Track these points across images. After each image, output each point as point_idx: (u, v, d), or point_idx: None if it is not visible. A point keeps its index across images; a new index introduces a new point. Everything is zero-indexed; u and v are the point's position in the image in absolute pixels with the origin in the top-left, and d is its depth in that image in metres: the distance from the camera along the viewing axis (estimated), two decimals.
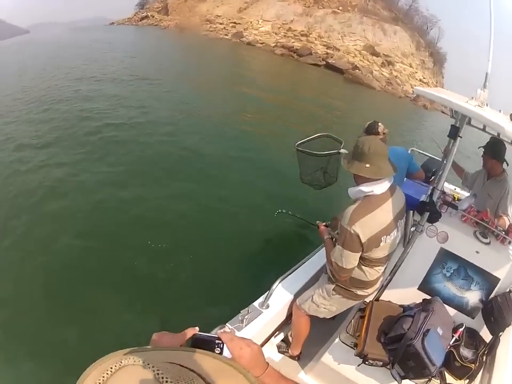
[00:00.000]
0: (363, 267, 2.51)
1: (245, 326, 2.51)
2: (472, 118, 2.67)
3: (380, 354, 2.52)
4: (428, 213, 2.81)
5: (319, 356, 3.06)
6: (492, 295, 2.93)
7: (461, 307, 3.00)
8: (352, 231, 2.28)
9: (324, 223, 3.04)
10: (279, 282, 2.94)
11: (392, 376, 2.48)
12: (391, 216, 2.42)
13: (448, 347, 2.66)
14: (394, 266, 2.88)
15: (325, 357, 2.85)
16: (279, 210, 5.96)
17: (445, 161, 4.19)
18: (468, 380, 2.70)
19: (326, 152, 5.18)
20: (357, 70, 36.96)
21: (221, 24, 52.86)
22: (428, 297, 2.96)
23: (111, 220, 5.72)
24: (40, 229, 5.33)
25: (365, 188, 2.35)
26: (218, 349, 1.00)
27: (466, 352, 2.72)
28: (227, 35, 48.36)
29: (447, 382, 2.66)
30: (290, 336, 3.26)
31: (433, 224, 2.96)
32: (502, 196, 3.63)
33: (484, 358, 2.78)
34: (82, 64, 16.56)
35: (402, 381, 2.48)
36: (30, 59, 18.13)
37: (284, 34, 48.17)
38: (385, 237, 2.40)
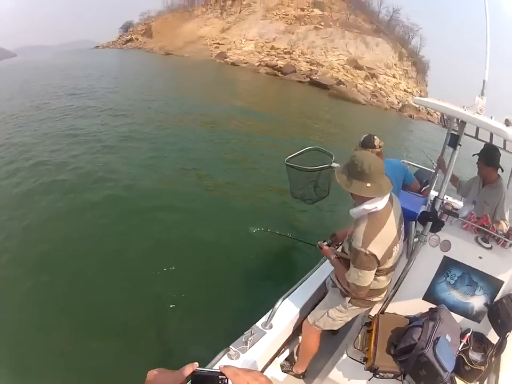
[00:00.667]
0: (377, 277, 2.54)
1: (249, 348, 2.46)
2: (475, 125, 2.75)
3: (390, 366, 2.53)
4: (430, 222, 2.86)
5: (326, 372, 3.07)
6: (497, 298, 2.94)
7: (466, 313, 3.00)
8: (368, 252, 2.30)
9: (325, 242, 3.03)
10: (282, 301, 2.91)
11: None
12: (396, 226, 2.47)
13: (457, 352, 2.67)
14: (398, 279, 2.90)
15: (332, 374, 2.86)
16: (268, 230, 5.94)
17: (436, 172, 4.37)
18: (478, 382, 2.72)
19: (317, 167, 5.23)
20: (342, 85, 37.43)
21: (204, 45, 53.49)
22: (434, 306, 2.97)
23: (101, 245, 5.63)
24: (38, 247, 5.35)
25: (368, 206, 2.36)
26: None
27: (475, 356, 2.74)
28: (211, 56, 48.92)
29: None
30: (296, 354, 3.25)
31: (436, 233, 2.97)
32: (498, 202, 3.71)
33: (493, 359, 2.80)
34: (66, 88, 16.54)
35: None
36: (18, 82, 18.03)
37: (267, 53, 48.84)
38: (395, 247, 2.47)
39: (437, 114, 42.87)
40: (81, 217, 6.19)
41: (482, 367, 2.70)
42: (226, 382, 0.95)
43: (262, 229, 5.91)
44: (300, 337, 3.51)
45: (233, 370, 0.96)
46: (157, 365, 1.00)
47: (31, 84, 16.70)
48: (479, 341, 2.91)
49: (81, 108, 13.48)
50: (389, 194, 2.43)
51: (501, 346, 2.83)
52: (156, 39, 60.06)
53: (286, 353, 3.36)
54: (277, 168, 9.62)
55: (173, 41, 55.69)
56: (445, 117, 3.76)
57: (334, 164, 5.06)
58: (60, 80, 17.48)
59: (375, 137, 3.60)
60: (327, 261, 3.75)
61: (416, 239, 2.93)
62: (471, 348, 2.79)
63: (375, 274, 2.47)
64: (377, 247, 2.31)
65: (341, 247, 2.91)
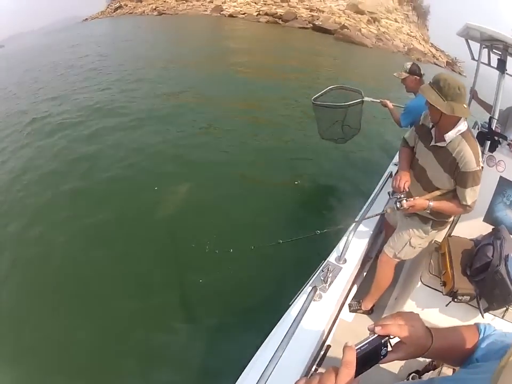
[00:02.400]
0: None
1: (328, 286, 2.37)
2: None
3: (468, 288, 2.52)
4: (488, 142, 2.91)
5: (398, 305, 3.10)
6: None
7: None
8: (481, 167, 2.32)
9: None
10: (353, 233, 2.82)
11: (479, 310, 2.50)
12: None
13: None
14: None
15: (407, 305, 2.86)
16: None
17: (470, 102, 4.39)
18: None
19: (348, 103, 5.13)
20: (346, 29, 36.24)
21: (197, 0, 51.68)
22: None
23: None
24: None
25: (462, 127, 2.36)
26: (385, 349, 0.88)
27: None
28: (206, 11, 47.30)
29: None
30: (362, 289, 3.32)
31: (492, 153, 2.99)
32: None
33: None
34: (59, 65, 15.87)
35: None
36: (4, 72, 17.28)
37: (264, 2, 47.13)
38: None
39: (442, 58, 42.10)
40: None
41: None
42: (387, 342, 0.89)
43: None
44: (365, 273, 3.59)
45: (393, 325, 0.91)
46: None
47: (22, 71, 15.86)
48: None
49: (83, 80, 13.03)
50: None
51: None
52: (146, 2, 58.04)
53: (354, 290, 3.38)
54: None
55: (165, 1, 53.88)
56: (483, 46, 3.68)
57: (366, 98, 4.99)
58: (49, 62, 16.52)
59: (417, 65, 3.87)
60: (381, 191, 3.71)
61: None
62: None
63: None
64: (482, 159, 2.39)
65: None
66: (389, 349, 0.90)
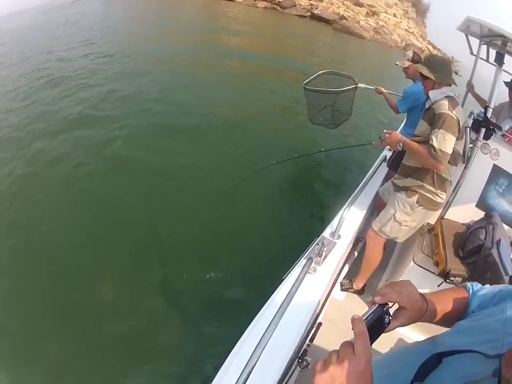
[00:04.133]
0: (447, 164, 2.64)
1: (323, 260, 2.38)
2: None
3: (460, 269, 2.56)
4: (483, 129, 2.97)
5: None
6: None
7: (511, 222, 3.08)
8: (454, 116, 2.50)
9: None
10: (348, 209, 2.80)
11: None
12: (464, 115, 2.71)
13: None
14: (456, 184, 2.95)
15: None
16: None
17: (466, 94, 4.62)
18: None
19: (343, 89, 5.16)
20: (344, 20, 36.08)
21: None
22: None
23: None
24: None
25: (445, 90, 2.69)
26: (388, 317, 0.91)
27: None
28: None
29: None
30: (354, 269, 3.35)
31: (487, 141, 3.04)
32: None
33: None
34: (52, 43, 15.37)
35: None
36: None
37: None
38: (463, 132, 2.71)
39: (442, 54, 42.36)
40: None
41: None
42: (388, 309, 0.92)
43: (296, 156, 5.81)
44: (356, 253, 3.64)
45: (391, 293, 0.95)
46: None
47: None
48: None
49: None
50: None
51: None
52: None
53: (345, 269, 3.40)
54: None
55: None
56: (482, 42, 3.81)
57: (360, 85, 5.02)
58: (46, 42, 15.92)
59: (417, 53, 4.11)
60: (376, 172, 3.77)
61: (471, 145, 3.03)
62: None
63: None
64: (458, 114, 2.54)
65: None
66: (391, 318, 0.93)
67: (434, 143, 2.49)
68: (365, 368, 0.73)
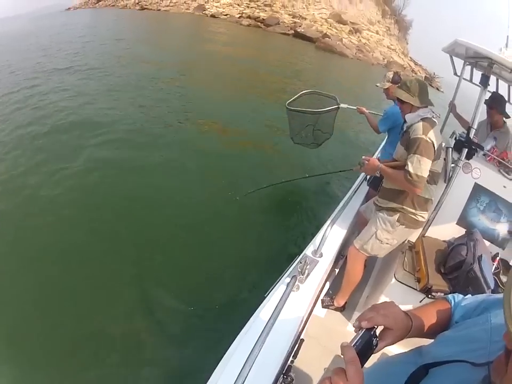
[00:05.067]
0: (427, 184, 2.73)
1: (305, 278, 2.42)
2: (506, 66, 2.80)
3: (442, 285, 2.63)
4: (466, 149, 3.06)
5: (372, 301, 3.19)
6: None
7: (493, 238, 3.18)
8: (429, 140, 2.57)
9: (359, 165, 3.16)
10: (330, 227, 2.88)
11: None
12: (440, 135, 2.77)
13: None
14: (437, 203, 3.03)
15: (381, 301, 2.92)
16: (283, 180, 5.96)
17: (448, 114, 4.68)
18: None
19: (326, 109, 5.28)
20: (327, 38, 36.56)
21: None
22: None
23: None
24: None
25: (422, 112, 2.75)
26: (375, 339, 0.94)
27: (505, 279, 2.86)
28: (188, 9, 46.98)
29: None
30: (335, 286, 3.38)
31: (468, 161, 3.14)
32: (506, 145, 3.92)
33: None
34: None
35: None
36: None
37: (247, 5, 47.18)
38: (441, 151, 2.76)
39: (421, 73, 43.08)
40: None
41: None
42: (375, 332, 0.95)
43: (278, 182, 5.87)
44: (337, 270, 3.68)
45: (377, 316, 0.99)
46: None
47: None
48: (506, 266, 3.06)
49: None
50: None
51: None
52: None
53: (326, 287, 3.46)
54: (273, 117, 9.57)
55: None
56: (467, 63, 3.95)
57: (342, 105, 5.15)
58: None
59: (400, 73, 4.27)
60: (357, 191, 3.89)
61: (452, 165, 3.12)
62: (501, 271, 2.91)
63: (427, 180, 2.67)
64: (433, 137, 2.59)
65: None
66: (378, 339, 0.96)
67: (410, 169, 2.57)
68: None
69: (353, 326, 0.98)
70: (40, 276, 4.02)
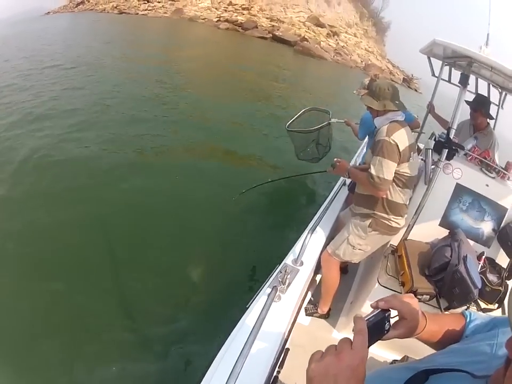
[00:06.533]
0: (397, 188, 2.73)
1: (287, 288, 2.37)
2: (491, 66, 2.78)
3: (427, 287, 2.60)
4: (446, 150, 3.00)
5: (355, 307, 3.16)
6: (503, 224, 3.15)
7: (477, 237, 3.15)
8: (392, 141, 2.55)
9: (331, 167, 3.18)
10: (310, 235, 2.84)
11: (440, 309, 2.57)
12: (412, 138, 2.75)
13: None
14: (418, 206, 2.98)
15: (365, 306, 2.91)
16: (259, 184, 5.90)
17: (427, 115, 4.75)
18: (497, 304, 2.82)
19: (317, 127, 5.59)
20: (306, 42, 36.79)
21: (159, 2, 51.11)
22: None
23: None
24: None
25: (390, 115, 2.74)
26: (388, 324, 0.95)
27: (492, 277, 2.86)
28: (166, 13, 46.87)
29: (482, 307, 2.77)
30: (317, 294, 3.32)
31: (449, 161, 3.10)
32: (489, 147, 3.89)
33: (506, 281, 2.93)
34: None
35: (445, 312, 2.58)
36: None
37: (225, 9, 47.27)
38: (412, 153, 2.71)
39: (399, 75, 43.73)
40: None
41: (500, 287, 2.82)
42: (389, 317, 0.96)
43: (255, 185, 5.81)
44: (319, 277, 3.61)
45: (394, 300, 1.00)
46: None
47: None
48: (492, 264, 3.05)
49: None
50: (404, 114, 2.86)
51: None
52: None
53: (309, 295, 3.43)
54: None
55: (126, 0, 53.03)
56: (445, 64, 3.97)
57: (332, 120, 5.43)
58: None
59: (376, 80, 4.28)
60: (337, 196, 3.86)
61: (433, 167, 3.07)
62: (488, 270, 2.91)
63: (396, 184, 2.72)
64: (398, 139, 2.57)
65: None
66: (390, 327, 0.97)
67: (372, 171, 2.58)
68: (359, 363, 0.75)
69: (371, 306, 0.98)
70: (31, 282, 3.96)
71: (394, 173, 2.62)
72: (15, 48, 16.33)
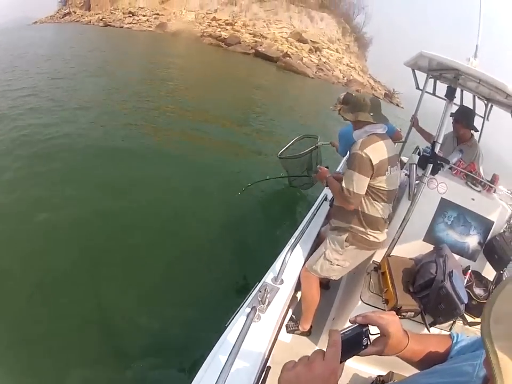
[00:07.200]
0: (374, 202, 2.68)
1: (266, 307, 2.31)
2: (479, 78, 2.69)
3: (411, 304, 2.54)
4: (430, 165, 2.93)
5: (339, 324, 3.10)
6: (489, 237, 3.12)
7: (463, 252, 3.12)
8: (364, 155, 2.50)
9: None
10: (290, 253, 2.74)
11: (425, 325, 2.52)
12: (392, 151, 2.72)
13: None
14: (402, 221, 2.91)
15: (348, 324, 2.84)
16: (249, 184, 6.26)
17: (410, 128, 4.66)
18: None
19: (305, 151, 5.76)
20: (288, 58, 37.08)
21: (144, 16, 51.49)
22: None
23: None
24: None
25: (368, 128, 2.69)
26: (366, 339, 0.92)
27: (479, 291, 2.84)
28: (150, 27, 47.21)
29: (468, 321, 2.73)
30: (298, 311, 3.27)
31: (434, 176, 3.06)
32: (473, 159, 3.86)
33: None
34: None
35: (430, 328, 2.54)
36: None
37: (209, 24, 47.87)
38: (389, 167, 2.64)
39: (380, 90, 44.31)
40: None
41: (486, 301, 2.78)
42: (368, 333, 0.94)
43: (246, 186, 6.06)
44: (299, 295, 3.52)
45: (373, 315, 0.99)
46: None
47: None
48: (478, 277, 3.03)
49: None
50: (386, 127, 2.81)
51: (499, 281, 2.98)
52: (94, 11, 57.55)
53: (290, 312, 3.34)
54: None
55: (112, 13, 53.50)
56: (430, 76, 3.94)
57: (319, 143, 5.74)
58: None
59: (353, 94, 4.18)
60: (318, 211, 3.80)
61: (417, 182, 3.03)
62: (474, 284, 2.89)
63: (371, 197, 2.67)
64: (372, 153, 2.52)
65: None
66: (370, 343, 0.94)
67: (343, 183, 2.57)
68: (330, 375, 0.75)
69: (349, 321, 0.98)
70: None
71: (370, 186, 2.59)
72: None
